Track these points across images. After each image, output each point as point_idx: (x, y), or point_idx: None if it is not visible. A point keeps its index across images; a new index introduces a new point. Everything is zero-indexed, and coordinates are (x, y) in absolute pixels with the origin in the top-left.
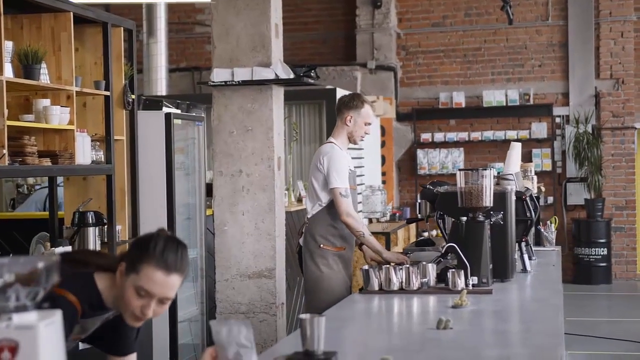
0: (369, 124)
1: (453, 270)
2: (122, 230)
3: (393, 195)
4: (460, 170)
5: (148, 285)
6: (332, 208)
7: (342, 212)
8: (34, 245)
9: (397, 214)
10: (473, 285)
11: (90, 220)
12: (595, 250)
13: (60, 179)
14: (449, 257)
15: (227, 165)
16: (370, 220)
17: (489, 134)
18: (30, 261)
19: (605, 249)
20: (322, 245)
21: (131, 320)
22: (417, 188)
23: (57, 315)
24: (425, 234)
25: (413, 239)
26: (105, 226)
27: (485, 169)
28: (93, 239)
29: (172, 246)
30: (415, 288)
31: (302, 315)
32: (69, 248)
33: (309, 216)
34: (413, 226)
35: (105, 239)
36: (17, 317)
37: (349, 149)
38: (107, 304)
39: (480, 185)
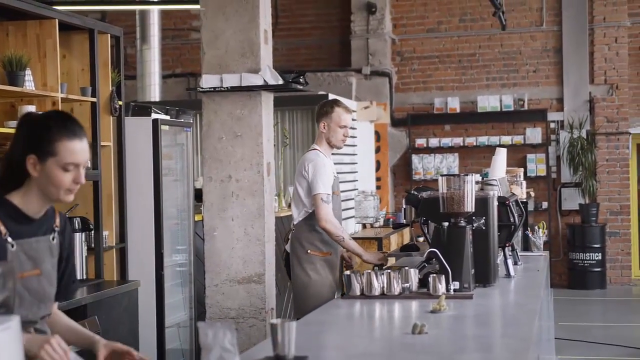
0: (344, 126)
1: (434, 275)
2: (109, 236)
3: (388, 201)
4: (442, 175)
5: (72, 158)
6: None
7: (321, 218)
8: None
9: (392, 219)
10: (454, 291)
11: (77, 226)
12: (589, 255)
13: None
14: (432, 262)
15: (217, 170)
16: (364, 226)
17: (483, 139)
18: None
19: (600, 254)
20: (309, 251)
21: (65, 196)
22: None
23: (14, 321)
24: (421, 239)
25: None
26: (92, 232)
27: (467, 175)
28: (79, 245)
29: (66, 117)
30: (396, 293)
31: (273, 320)
32: None
33: (295, 222)
34: (407, 231)
35: (92, 245)
36: None
37: (333, 154)
38: (30, 214)
39: (462, 190)
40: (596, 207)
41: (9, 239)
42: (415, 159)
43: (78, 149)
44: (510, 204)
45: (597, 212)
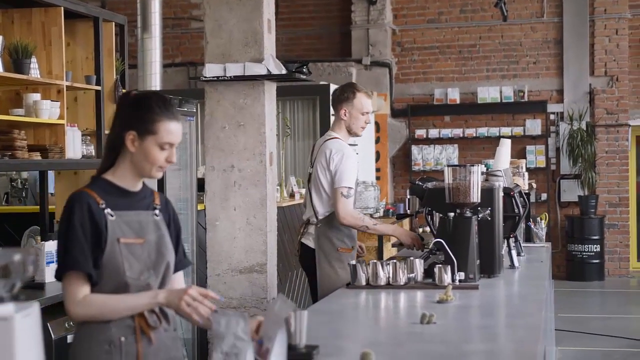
0: (366, 113)
1: (440, 265)
2: None
3: (387, 191)
4: (448, 166)
5: (169, 138)
6: None
7: (339, 215)
8: (25, 239)
9: (391, 210)
10: (460, 281)
11: None
12: (588, 247)
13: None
14: (436, 253)
15: (219, 160)
16: None
17: (483, 131)
18: (7, 253)
19: (599, 245)
20: (339, 249)
21: (157, 173)
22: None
23: (34, 307)
24: (420, 230)
25: None
26: None
27: (473, 166)
28: None
29: (165, 99)
30: (402, 283)
31: None
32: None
33: (319, 217)
34: (407, 222)
35: None
36: None
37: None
38: (125, 187)
39: (468, 181)
40: (595, 199)
41: (108, 210)
42: (414, 149)
43: (175, 130)
44: (515, 194)
45: (596, 204)
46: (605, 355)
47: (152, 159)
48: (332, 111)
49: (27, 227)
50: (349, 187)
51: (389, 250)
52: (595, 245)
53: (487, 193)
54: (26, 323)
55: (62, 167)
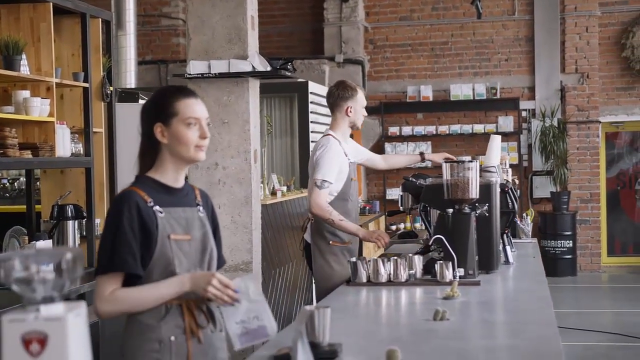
0: (364, 106)
1: (441, 262)
2: (101, 223)
3: (361, 189)
4: (446, 162)
5: (192, 112)
6: (336, 202)
7: (310, 203)
8: (7, 240)
9: (367, 208)
10: (460, 277)
11: (70, 214)
12: (560, 243)
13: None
14: (434, 249)
15: None
16: None
17: (456, 128)
18: (58, 253)
19: (571, 241)
20: (331, 242)
21: (196, 153)
22: (385, 182)
23: (82, 307)
24: (393, 227)
25: None
26: (85, 220)
27: (471, 161)
28: (72, 233)
29: (178, 85)
30: (403, 280)
31: (308, 307)
32: (49, 242)
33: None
34: (382, 219)
35: (84, 233)
36: (44, 308)
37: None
38: (168, 183)
39: (466, 177)
40: (567, 195)
41: (157, 207)
42: (388, 147)
43: (195, 104)
44: (509, 190)
45: (568, 200)
46: (587, 349)
47: (184, 140)
48: (311, 108)
49: (10, 227)
50: (323, 180)
51: (367, 248)
52: (567, 241)
53: (485, 189)
54: (77, 322)
55: (53, 165)
